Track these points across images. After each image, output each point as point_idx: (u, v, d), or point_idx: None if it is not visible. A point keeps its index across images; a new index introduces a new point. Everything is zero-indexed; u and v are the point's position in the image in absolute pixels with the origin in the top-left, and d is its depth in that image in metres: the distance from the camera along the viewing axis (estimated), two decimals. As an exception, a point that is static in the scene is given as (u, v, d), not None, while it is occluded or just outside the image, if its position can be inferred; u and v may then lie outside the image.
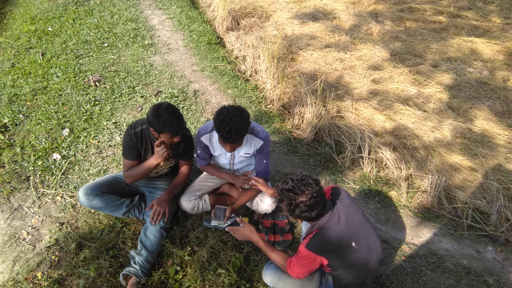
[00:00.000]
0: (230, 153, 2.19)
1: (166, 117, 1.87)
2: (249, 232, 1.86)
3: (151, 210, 2.13)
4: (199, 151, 2.23)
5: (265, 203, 2.27)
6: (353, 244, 1.59)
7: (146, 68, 4.20)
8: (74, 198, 2.51)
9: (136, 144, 2.08)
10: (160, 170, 2.28)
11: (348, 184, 2.82)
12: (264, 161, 2.21)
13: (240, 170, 2.39)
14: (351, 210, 1.65)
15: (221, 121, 1.79)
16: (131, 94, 3.70)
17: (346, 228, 1.60)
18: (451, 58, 4.46)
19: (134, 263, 1.99)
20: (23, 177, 2.68)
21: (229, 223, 2.29)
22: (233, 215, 2.37)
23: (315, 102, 3.36)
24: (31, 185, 2.61)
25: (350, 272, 1.65)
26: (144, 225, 2.16)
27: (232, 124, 1.76)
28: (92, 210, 2.38)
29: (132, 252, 2.04)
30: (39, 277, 2.02)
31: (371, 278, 1.76)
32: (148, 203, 2.23)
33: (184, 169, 2.30)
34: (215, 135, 2.13)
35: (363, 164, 2.98)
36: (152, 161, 2.04)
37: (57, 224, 2.34)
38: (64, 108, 3.42)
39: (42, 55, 4.33)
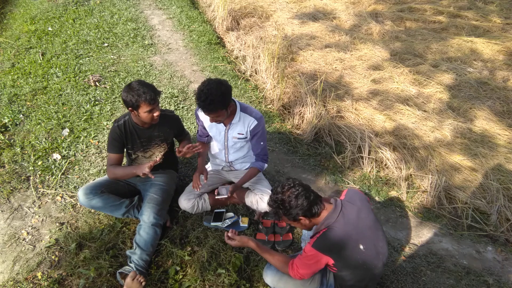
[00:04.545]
0: (223, 134, 2.21)
1: (139, 88, 1.92)
2: (245, 239, 1.85)
3: (148, 203, 2.14)
4: (198, 127, 2.34)
5: (265, 202, 2.26)
6: (361, 246, 1.58)
7: (146, 68, 4.20)
8: (74, 198, 2.51)
9: (121, 136, 2.11)
10: (157, 161, 2.25)
11: (348, 184, 2.82)
12: (261, 143, 2.23)
13: (235, 163, 2.38)
14: (362, 213, 1.65)
15: (199, 91, 1.91)
16: (131, 94, 3.70)
17: (354, 230, 1.59)
18: (451, 58, 4.46)
19: (130, 262, 2.01)
20: (23, 177, 2.68)
21: (229, 223, 2.29)
22: (233, 215, 2.37)
23: (315, 102, 3.36)
24: (31, 185, 2.61)
25: (355, 274, 1.64)
26: (138, 224, 2.16)
27: (208, 94, 1.87)
28: (92, 210, 2.37)
29: (128, 252, 2.06)
30: (39, 277, 2.02)
31: (374, 282, 1.76)
32: (144, 200, 2.21)
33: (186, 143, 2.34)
34: None
35: (363, 164, 2.98)
36: (135, 170, 2.09)
37: (57, 224, 2.34)
38: (64, 108, 3.42)
39: (42, 55, 4.33)
